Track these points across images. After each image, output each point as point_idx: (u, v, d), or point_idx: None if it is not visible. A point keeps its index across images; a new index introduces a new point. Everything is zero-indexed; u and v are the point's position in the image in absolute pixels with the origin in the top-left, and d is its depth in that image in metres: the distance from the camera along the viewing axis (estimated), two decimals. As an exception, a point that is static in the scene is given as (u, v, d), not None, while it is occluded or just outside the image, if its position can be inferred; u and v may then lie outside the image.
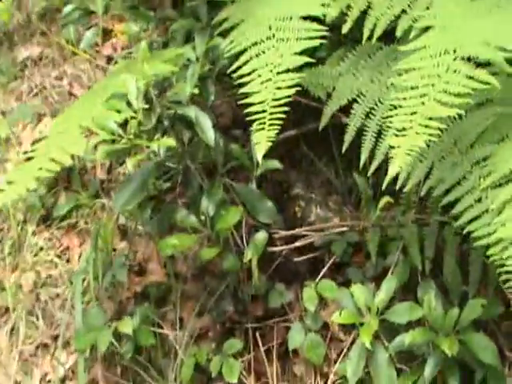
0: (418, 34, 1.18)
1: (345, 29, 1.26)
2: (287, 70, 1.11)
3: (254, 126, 1.08)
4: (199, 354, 1.47)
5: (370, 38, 1.26)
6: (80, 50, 1.92)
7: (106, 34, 2.01)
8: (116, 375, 1.53)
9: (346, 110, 1.32)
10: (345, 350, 1.47)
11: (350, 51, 1.36)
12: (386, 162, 1.09)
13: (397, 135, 1.01)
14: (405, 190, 1.23)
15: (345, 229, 1.52)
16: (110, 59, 1.99)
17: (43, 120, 1.92)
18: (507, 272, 1.06)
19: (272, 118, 1.08)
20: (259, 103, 1.09)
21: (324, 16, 1.24)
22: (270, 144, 1.07)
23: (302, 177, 1.68)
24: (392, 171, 1.00)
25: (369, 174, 1.24)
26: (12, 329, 1.64)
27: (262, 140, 1.07)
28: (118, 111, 1.21)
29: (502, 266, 1.06)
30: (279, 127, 1.07)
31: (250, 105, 1.10)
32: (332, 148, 1.60)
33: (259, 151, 1.08)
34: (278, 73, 1.11)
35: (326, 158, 1.67)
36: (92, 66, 1.97)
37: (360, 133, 1.27)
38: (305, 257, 1.56)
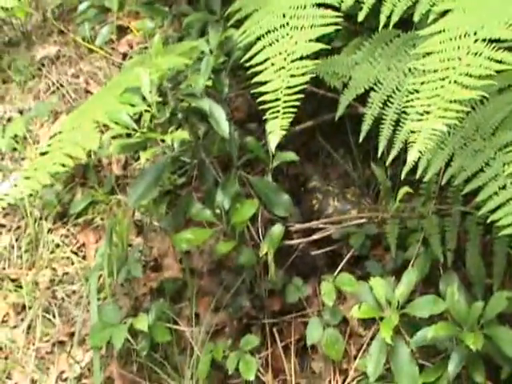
0: (437, 18, 1.14)
1: (361, 16, 1.23)
2: (301, 58, 1.09)
3: (268, 115, 1.07)
4: (216, 350, 1.45)
5: (386, 25, 1.23)
6: (96, 48, 1.93)
7: (122, 30, 2.02)
8: (132, 372, 1.51)
9: (362, 99, 1.29)
10: (365, 346, 1.45)
11: (367, 40, 1.34)
12: (404, 151, 1.05)
13: (417, 120, 0.97)
14: (425, 179, 1.19)
15: (363, 221, 1.50)
16: (125, 56, 2.01)
17: (60, 118, 1.93)
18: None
19: (286, 106, 1.06)
20: (273, 92, 1.07)
21: (339, 4, 1.22)
22: (283, 133, 1.05)
23: (319, 169, 1.68)
24: (411, 157, 0.97)
25: (387, 163, 1.21)
26: (28, 326, 1.63)
27: (275, 129, 1.06)
28: (132, 105, 1.20)
29: (528, 254, 1.04)
30: (293, 116, 1.05)
31: (264, 94, 1.08)
32: (349, 139, 1.60)
33: (273, 140, 1.06)
34: (292, 60, 1.09)
35: (343, 150, 1.67)
36: (108, 63, 1.98)
37: (377, 122, 1.25)
38: (322, 250, 1.55)
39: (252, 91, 1.10)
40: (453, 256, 1.38)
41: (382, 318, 1.33)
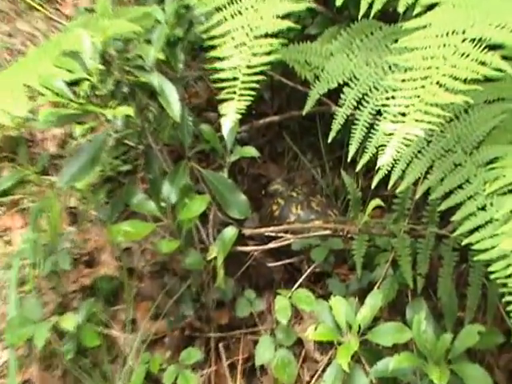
0: (423, 11, 1.11)
1: (338, 2, 1.18)
2: (266, 35, 1.05)
3: (223, 95, 1.04)
4: (152, 361, 1.42)
5: (367, 15, 1.19)
6: (37, 5, 1.84)
7: (69, -10, 1.95)
8: (54, 377, 1.46)
9: (336, 97, 1.25)
10: (319, 371, 1.44)
11: (345, 29, 1.30)
12: (378, 160, 1.02)
13: (392, 121, 0.95)
14: (397, 190, 1.16)
15: (328, 233, 1.48)
16: (70, 19, 1.90)
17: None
18: (510, 293, 0.99)
19: (244, 87, 1.03)
20: (231, 70, 1.04)
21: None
22: (238, 117, 1.02)
23: (283, 172, 1.68)
24: (382, 162, 0.94)
25: (357, 170, 1.16)
26: None
27: (229, 111, 1.03)
28: (70, 71, 1.14)
29: (505, 285, 1.00)
30: (252, 99, 1.02)
31: (221, 72, 1.06)
32: (319, 142, 1.59)
33: (225, 124, 1.03)
34: (256, 37, 1.05)
35: (312, 153, 1.67)
36: (49, 24, 1.88)
37: (351, 125, 1.21)
38: (280, 262, 1.55)
39: (208, 66, 1.08)
40: (423, 282, 1.37)
41: (340, 343, 1.30)
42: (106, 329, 1.48)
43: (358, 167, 1.16)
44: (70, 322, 1.38)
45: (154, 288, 1.54)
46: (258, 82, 1.02)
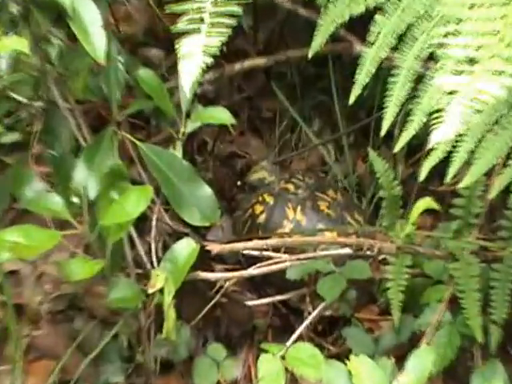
0: None
1: None
2: None
3: (181, 24, 1.08)
4: None
5: None
6: None
7: None
8: None
9: (361, 30, 1.24)
10: None
11: None
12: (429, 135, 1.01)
13: (454, 72, 0.96)
14: (461, 184, 1.12)
15: (346, 252, 1.48)
16: None
17: None
18: None
19: (218, 13, 1.08)
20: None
21: None
22: (208, 61, 1.07)
23: (272, 151, 1.69)
24: (438, 137, 0.93)
25: (395, 149, 1.14)
26: None
27: (194, 51, 1.07)
28: None
29: None
30: (228, 34, 1.06)
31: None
32: (332, 102, 1.62)
33: (185, 71, 1.07)
34: None
35: (321, 121, 1.73)
36: None
37: (385, 77, 1.18)
38: (267, 299, 1.58)
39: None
40: (500, 334, 1.39)
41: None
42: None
43: (398, 147, 1.13)
44: None
45: (57, 338, 1.55)
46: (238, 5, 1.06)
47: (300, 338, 1.45)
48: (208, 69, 1.48)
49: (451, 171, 1.09)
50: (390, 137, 1.29)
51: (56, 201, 1.37)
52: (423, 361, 1.33)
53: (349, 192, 1.69)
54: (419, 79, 1.14)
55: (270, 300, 1.57)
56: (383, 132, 1.16)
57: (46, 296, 1.59)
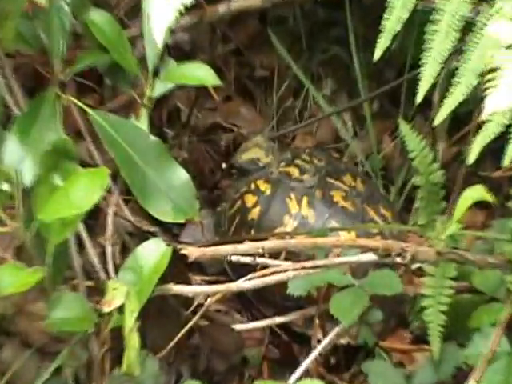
0: None
1: None
2: None
3: None
4: None
5: None
6: None
7: None
8: None
9: None
10: None
11: None
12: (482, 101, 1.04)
13: None
14: None
15: (369, 258, 1.45)
16: None
17: None
18: None
19: None
20: None
21: None
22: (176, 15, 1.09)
23: (268, 121, 1.78)
24: (493, 106, 0.97)
25: (436, 121, 1.17)
26: None
27: (164, 4, 1.10)
28: None
29: None
30: None
31: None
32: (349, 55, 1.74)
33: (156, 25, 1.10)
34: None
35: (333, 80, 1.78)
36: None
37: (420, 24, 1.20)
38: (261, 322, 1.61)
39: None
40: None
41: None
42: None
43: (438, 118, 1.16)
44: None
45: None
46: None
47: (306, 374, 1.48)
48: (184, 11, 1.49)
49: (510, 152, 1.09)
50: (428, 104, 1.31)
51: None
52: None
53: (372, 178, 1.71)
54: (467, 27, 1.16)
55: (266, 323, 1.59)
56: (419, 98, 1.18)
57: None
